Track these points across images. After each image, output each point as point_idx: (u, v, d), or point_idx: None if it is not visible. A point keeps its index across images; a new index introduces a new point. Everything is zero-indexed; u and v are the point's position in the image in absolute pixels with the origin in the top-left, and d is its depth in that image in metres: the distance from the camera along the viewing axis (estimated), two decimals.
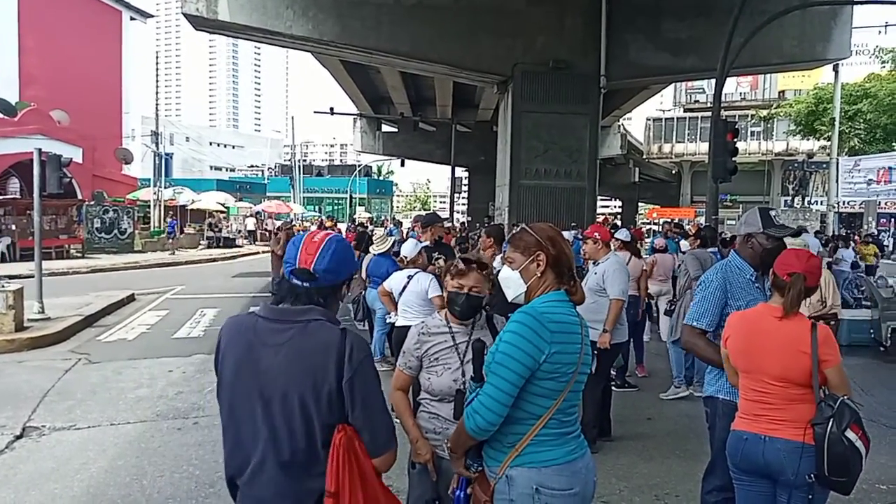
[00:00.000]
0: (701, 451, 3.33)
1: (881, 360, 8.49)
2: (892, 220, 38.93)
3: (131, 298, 12.44)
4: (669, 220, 32.05)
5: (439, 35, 14.96)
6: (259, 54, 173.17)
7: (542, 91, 15.33)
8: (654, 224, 39.85)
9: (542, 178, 15.78)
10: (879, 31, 32.65)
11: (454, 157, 30.11)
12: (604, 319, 5.03)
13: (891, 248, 28.01)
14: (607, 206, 79.13)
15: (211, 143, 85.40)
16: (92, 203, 23.32)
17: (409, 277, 5.44)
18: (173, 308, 11.83)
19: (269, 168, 69.33)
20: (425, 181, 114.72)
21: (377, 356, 7.46)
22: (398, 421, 2.35)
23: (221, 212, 32.52)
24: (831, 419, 2.44)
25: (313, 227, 30.24)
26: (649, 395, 6.71)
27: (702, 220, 20.47)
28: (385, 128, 35.84)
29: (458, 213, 44.74)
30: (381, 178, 69.84)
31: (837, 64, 21.38)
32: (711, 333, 3.17)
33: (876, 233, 28.72)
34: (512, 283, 2.17)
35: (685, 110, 48.33)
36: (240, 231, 33.10)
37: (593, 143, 16.06)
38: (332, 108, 31.05)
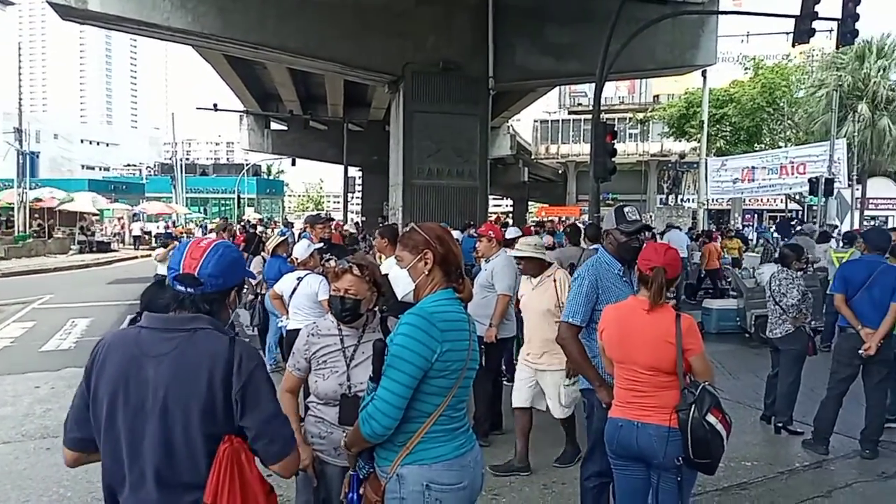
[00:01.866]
0: (585, 440, 3.50)
1: (746, 346, 9.20)
2: (756, 216, 42.61)
3: None
4: (556, 217, 33.31)
5: (329, 32, 14.71)
6: (136, 46, 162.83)
7: (432, 91, 15.47)
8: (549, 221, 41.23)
9: (435, 177, 15.93)
10: (742, 40, 35.58)
11: (347, 156, 29.71)
12: (490, 314, 5.16)
13: (754, 242, 30.47)
14: (499, 205, 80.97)
15: (82, 141, 79.55)
16: None
17: (300, 279, 5.34)
18: (40, 319, 10.95)
19: (147, 167, 65.48)
20: (318, 181, 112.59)
21: (270, 362, 7.26)
22: None
23: (94, 214, 30.32)
24: (693, 405, 2.61)
25: (203, 231, 29.04)
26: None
27: (585, 217, 21.47)
28: (274, 126, 34.77)
29: (352, 213, 44.24)
30: (271, 177, 67.81)
31: (705, 70, 23.01)
32: (585, 328, 3.35)
33: (741, 227, 31.27)
34: (401, 281, 2.20)
35: (569, 113, 50.38)
36: (116, 235, 31.03)
37: (483, 143, 16.39)
38: (215, 105, 29.77)
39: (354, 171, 37.92)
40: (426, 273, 2.15)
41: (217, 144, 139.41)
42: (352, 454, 2.18)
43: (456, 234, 8.81)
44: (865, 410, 5.08)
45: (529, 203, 62.81)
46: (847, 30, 12.50)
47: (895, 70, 30.26)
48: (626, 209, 3.46)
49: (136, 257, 25.45)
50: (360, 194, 38.82)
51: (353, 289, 2.57)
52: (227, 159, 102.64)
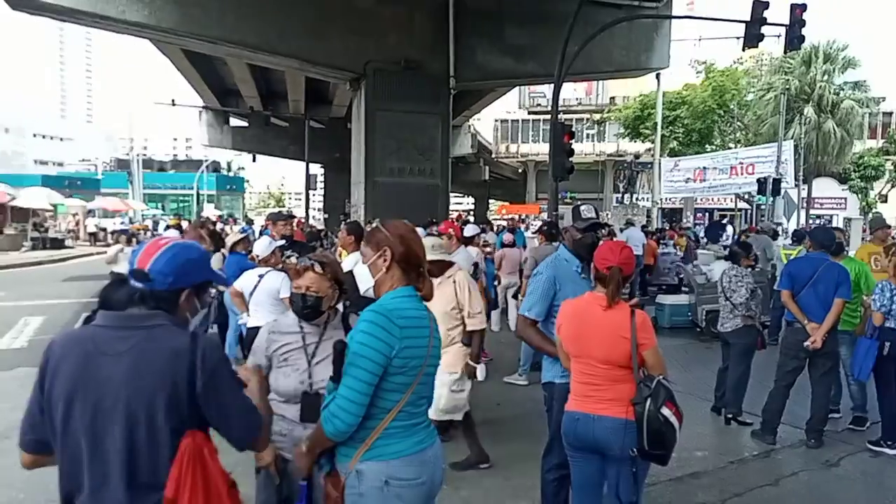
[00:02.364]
0: (545, 433, 3.58)
1: (698, 340, 9.49)
2: (707, 214, 43.74)
3: None
4: (516, 216, 33.61)
5: (290, 28, 14.56)
6: (91, 38, 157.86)
7: (394, 90, 15.45)
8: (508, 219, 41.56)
9: (397, 175, 15.93)
10: (694, 44, 36.48)
11: (308, 153, 29.40)
12: None
13: (705, 239, 31.24)
14: (461, 203, 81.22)
15: (35, 135, 76.86)
16: None
17: (261, 276, 5.32)
18: None
19: (104, 162, 63.66)
20: (280, 178, 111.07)
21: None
22: None
23: (48, 210, 29.38)
24: (649, 398, 2.71)
25: (153, 227, 28.37)
26: (499, 382, 7.06)
27: (545, 215, 21.76)
28: (234, 122, 34.20)
29: (314, 210, 43.81)
30: (231, 174, 66.68)
31: (659, 73, 23.53)
32: (542, 322, 3.44)
33: (692, 226, 32.04)
34: (363, 277, 2.26)
35: (529, 113, 50.85)
36: (70, 231, 30.10)
37: (445, 141, 16.46)
38: (173, 100, 29.19)
39: (316, 169, 37.60)
40: (384, 270, 2.20)
41: (176, 140, 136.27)
42: (307, 459, 2.18)
43: (419, 231, 8.88)
44: (811, 401, 5.30)
45: (490, 201, 63.20)
46: (794, 35, 12.96)
47: (839, 75, 31.48)
48: (581, 207, 3.58)
49: (92, 254, 24.73)
50: (322, 192, 38.41)
51: (314, 286, 2.58)
52: (186, 155, 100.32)
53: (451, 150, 18.00)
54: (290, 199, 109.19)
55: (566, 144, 12.40)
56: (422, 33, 15.62)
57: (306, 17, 14.65)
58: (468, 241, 7.85)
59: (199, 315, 7.31)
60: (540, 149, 46.22)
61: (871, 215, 29.10)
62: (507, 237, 9.83)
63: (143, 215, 38.83)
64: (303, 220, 21.00)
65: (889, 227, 7.98)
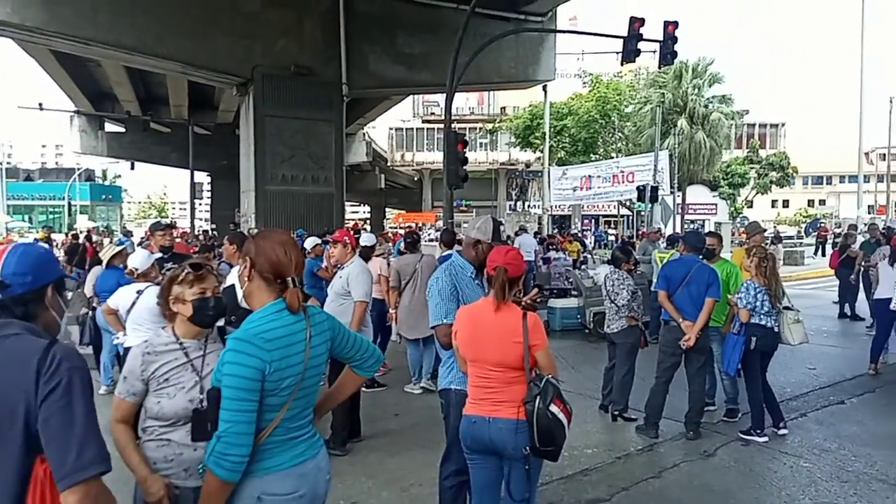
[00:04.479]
0: (443, 440, 3.59)
1: (586, 341, 9.89)
2: (593, 221, 45.96)
3: None
4: (413, 224, 33.73)
5: (169, 29, 13.90)
6: None
7: (285, 95, 15.13)
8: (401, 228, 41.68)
9: (290, 183, 15.60)
10: (578, 58, 38.31)
11: (193, 161, 28.11)
12: (349, 322, 5.15)
13: (592, 245, 32.77)
14: (357, 212, 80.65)
15: None
16: None
17: (139, 293, 4.98)
18: None
19: None
20: (162, 187, 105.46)
21: (107, 383, 6.73)
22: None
23: None
24: (538, 396, 2.79)
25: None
26: (397, 391, 7.02)
27: (440, 223, 22.00)
28: (109, 127, 32.13)
29: (200, 220, 41.91)
30: (107, 182, 62.51)
31: (546, 84, 24.47)
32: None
33: (580, 232, 33.50)
34: (238, 287, 2.26)
35: (423, 121, 51.38)
36: None
37: (339, 149, 16.30)
38: (41, 104, 26.96)
39: (202, 177, 36.04)
40: (247, 280, 2.16)
41: (45, 147, 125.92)
42: None
43: (312, 240, 8.68)
44: (688, 396, 5.65)
45: (387, 209, 63.16)
46: (667, 51, 13.89)
47: (708, 88, 34.12)
48: (500, 227, 3.68)
49: None
50: (209, 201, 36.81)
51: (217, 289, 2.55)
52: (57, 163, 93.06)
53: (345, 158, 17.85)
54: (174, 209, 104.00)
55: (460, 153, 12.59)
56: (312, 39, 15.40)
57: (188, 18, 14.04)
58: (369, 253, 7.73)
59: (75, 331, 6.80)
60: (435, 157, 46.78)
61: (739, 220, 31.69)
62: (387, 247, 9.84)
63: (7, 228, 35.61)
64: (187, 231, 20.00)
65: (764, 231, 8.68)
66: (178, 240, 11.40)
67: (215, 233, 25.51)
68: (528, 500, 2.98)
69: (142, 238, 13.94)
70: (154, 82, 25.03)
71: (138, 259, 5.24)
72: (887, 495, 4.37)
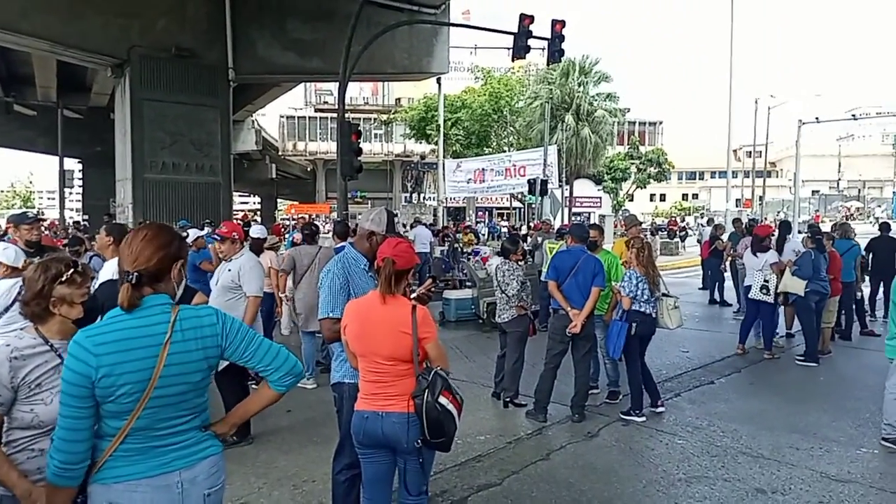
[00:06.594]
0: (336, 435, 3.53)
1: (480, 331, 10.08)
2: (487, 213, 46.93)
3: None
4: (306, 215, 32.99)
5: (34, 4, 12.75)
6: None
7: (165, 79, 14.30)
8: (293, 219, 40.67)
9: (171, 172, 14.79)
10: (471, 52, 38.88)
11: (63, 146, 25.89)
12: (241, 317, 4.96)
13: (486, 236, 33.50)
14: (246, 203, 77.87)
15: None
16: None
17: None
18: None
19: None
20: (28, 174, 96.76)
21: None
22: None
23: None
24: (426, 389, 2.80)
25: None
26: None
27: (335, 214, 21.64)
28: None
29: (71, 210, 38.93)
30: None
31: (440, 77, 24.62)
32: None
33: (475, 224, 34.13)
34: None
35: (316, 110, 50.27)
36: None
37: (225, 137, 15.64)
38: None
39: (73, 164, 33.38)
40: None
41: None
42: None
43: (195, 232, 8.27)
44: (574, 380, 5.90)
45: (279, 200, 61.35)
46: (555, 48, 14.36)
47: (594, 86, 35.70)
48: (395, 218, 3.64)
49: None
50: (80, 190, 34.19)
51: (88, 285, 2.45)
52: None
53: (232, 146, 17.17)
54: (41, 198, 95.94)
55: (354, 143, 12.44)
56: (195, 20, 14.64)
57: None
58: (260, 246, 7.47)
59: None
60: (328, 147, 45.95)
61: (621, 213, 33.40)
62: (297, 237, 9.59)
63: None
64: (56, 223, 18.48)
65: (641, 223, 9.19)
66: (45, 232, 10.52)
67: (87, 224, 23.78)
68: (424, 493, 3.00)
69: (2, 230, 12.71)
70: (18, 60, 22.90)
71: (6, 255, 4.76)
72: (751, 467, 4.77)
